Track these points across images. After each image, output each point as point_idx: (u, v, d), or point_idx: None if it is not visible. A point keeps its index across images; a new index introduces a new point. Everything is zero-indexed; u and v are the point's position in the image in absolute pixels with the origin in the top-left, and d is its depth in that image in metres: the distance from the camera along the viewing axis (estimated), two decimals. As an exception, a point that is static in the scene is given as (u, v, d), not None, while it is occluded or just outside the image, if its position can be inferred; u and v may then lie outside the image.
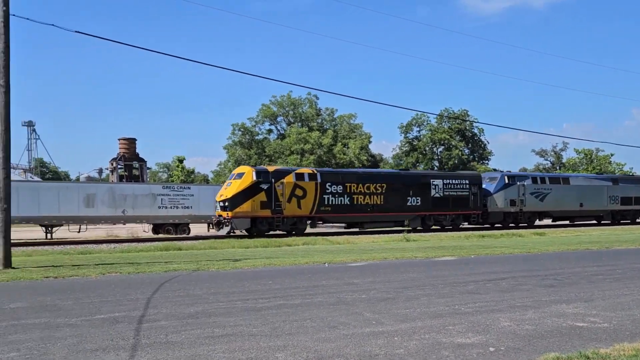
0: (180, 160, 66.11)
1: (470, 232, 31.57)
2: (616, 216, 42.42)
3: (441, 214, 34.49)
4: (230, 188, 28.98)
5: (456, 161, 69.36)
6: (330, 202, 30.73)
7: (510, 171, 39.82)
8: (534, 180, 38.66)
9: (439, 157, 72.29)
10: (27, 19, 15.31)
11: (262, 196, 28.81)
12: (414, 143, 72.91)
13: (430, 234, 30.63)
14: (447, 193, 34.52)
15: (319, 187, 30.45)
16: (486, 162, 73.32)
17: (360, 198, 31.62)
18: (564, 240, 24.41)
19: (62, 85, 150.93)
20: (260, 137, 65.18)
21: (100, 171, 75.64)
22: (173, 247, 21.83)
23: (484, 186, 36.47)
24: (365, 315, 7.90)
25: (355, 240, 25.88)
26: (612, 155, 72.70)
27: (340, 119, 65.88)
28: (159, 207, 32.02)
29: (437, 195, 34.20)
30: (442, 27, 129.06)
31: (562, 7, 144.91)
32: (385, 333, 6.80)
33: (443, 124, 71.29)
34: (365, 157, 61.43)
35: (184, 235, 31.26)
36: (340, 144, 60.93)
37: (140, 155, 64.48)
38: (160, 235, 31.23)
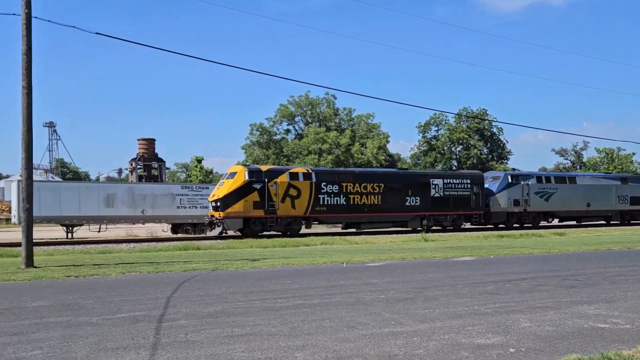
0: (199, 161, 66.48)
1: (489, 232, 31.33)
2: (625, 216, 41.02)
3: (441, 214, 33.69)
4: (223, 188, 28.61)
5: (475, 161, 68.87)
6: (325, 202, 30.20)
7: (515, 169, 38.89)
8: (539, 179, 37.53)
9: (458, 156, 71.90)
10: (49, 21, 15.48)
11: (254, 196, 28.34)
12: (432, 143, 72.61)
13: (448, 234, 30.45)
14: (448, 193, 33.73)
15: (314, 187, 29.89)
16: (505, 161, 72.77)
17: (357, 198, 31.03)
18: (585, 241, 24.13)
19: (82, 85, 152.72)
20: (278, 137, 65.36)
21: (120, 171, 76.46)
22: (192, 246, 21.96)
23: (486, 185, 35.58)
24: (384, 315, 7.88)
25: (373, 240, 25.83)
26: (633, 154, 71.94)
27: (358, 119, 65.83)
28: (178, 207, 32.27)
29: (436, 195, 33.44)
30: (461, 26, 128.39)
31: (582, 4, 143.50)
32: (404, 333, 6.77)
33: (462, 123, 70.91)
34: (383, 157, 61.30)
35: (203, 235, 31.43)
36: (358, 143, 60.89)
37: (159, 156, 65.09)
38: (179, 235, 31.45)
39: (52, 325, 7.34)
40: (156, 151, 65.18)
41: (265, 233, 29.21)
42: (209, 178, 66.09)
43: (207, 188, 33.51)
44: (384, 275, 12.48)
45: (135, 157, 63.21)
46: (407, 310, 8.26)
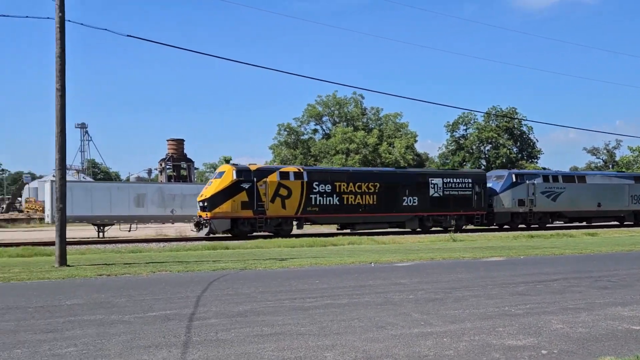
0: (227, 161, 66.98)
1: (519, 232, 30.92)
2: (639, 217, 39.25)
3: (441, 214, 32.66)
4: (210, 188, 28.13)
5: (504, 160, 67.99)
6: (317, 202, 29.39)
7: (520, 168, 37.54)
8: (545, 178, 36.14)
9: (487, 155, 71.14)
10: (82, 24, 15.78)
11: (242, 196, 27.65)
12: (461, 142, 71.95)
13: (477, 234, 30.15)
14: (448, 192, 32.68)
15: (305, 187, 29.12)
16: (535, 160, 71.73)
17: (351, 198, 30.20)
18: (617, 241, 23.69)
19: (113, 87, 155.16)
20: (306, 137, 65.44)
21: (150, 171, 77.43)
22: (220, 246, 22.16)
23: (489, 185, 34.47)
24: (413, 315, 7.85)
25: (401, 240, 25.74)
26: (667, 152, 70.26)
27: (385, 118, 65.56)
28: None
29: (436, 194, 32.42)
30: (490, 24, 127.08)
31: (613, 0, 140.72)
32: (434, 334, 6.75)
33: (490, 122, 70.13)
34: (410, 157, 60.94)
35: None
36: (385, 143, 60.65)
37: (187, 156, 65.73)
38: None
39: (85, 323, 7.48)
40: (185, 151, 65.86)
41: (255, 234, 28.43)
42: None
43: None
44: (412, 275, 12.43)
45: (164, 157, 63.96)
46: (436, 310, 8.22)
